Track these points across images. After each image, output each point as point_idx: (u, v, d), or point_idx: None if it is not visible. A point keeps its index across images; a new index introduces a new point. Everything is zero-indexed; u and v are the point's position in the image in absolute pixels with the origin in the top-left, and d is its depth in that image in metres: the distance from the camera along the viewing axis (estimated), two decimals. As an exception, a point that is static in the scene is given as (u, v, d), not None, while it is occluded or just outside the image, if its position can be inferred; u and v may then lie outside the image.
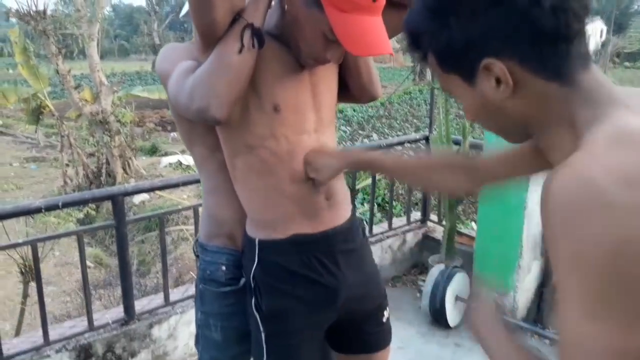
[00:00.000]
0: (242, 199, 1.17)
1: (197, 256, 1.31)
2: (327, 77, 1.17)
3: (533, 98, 0.61)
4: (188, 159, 9.57)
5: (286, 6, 1.04)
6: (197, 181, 2.40)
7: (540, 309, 2.70)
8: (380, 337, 1.31)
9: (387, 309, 1.31)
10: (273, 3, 1.09)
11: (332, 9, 0.96)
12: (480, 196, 2.71)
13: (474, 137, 3.06)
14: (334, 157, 1.14)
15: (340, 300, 1.18)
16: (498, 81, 0.59)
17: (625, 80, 28.57)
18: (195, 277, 1.33)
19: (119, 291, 3.19)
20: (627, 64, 37.00)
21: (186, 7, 1.08)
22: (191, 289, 2.65)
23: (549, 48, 0.58)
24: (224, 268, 1.23)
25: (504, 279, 2.64)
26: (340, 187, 1.22)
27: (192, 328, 2.33)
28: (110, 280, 6.17)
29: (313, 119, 1.14)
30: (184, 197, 8.18)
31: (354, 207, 1.33)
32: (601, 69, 34.74)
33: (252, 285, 1.16)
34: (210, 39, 1.01)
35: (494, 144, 2.55)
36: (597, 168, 0.51)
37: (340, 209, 1.20)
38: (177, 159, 10.38)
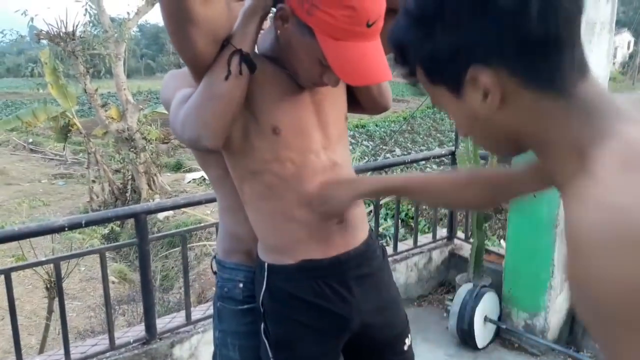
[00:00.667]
0: (252, 223, 1.14)
1: (215, 273, 1.28)
2: (332, 93, 1.13)
3: (525, 111, 0.56)
4: (211, 175, 9.61)
5: (279, 31, 1.01)
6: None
7: (573, 330, 2.59)
8: None
9: (409, 336, 1.26)
10: (266, 25, 1.07)
11: (324, 37, 0.92)
12: (509, 213, 2.63)
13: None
14: (346, 188, 1.09)
15: (353, 327, 1.13)
16: (486, 93, 0.55)
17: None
18: (214, 294, 1.30)
19: (142, 306, 3.19)
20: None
21: None
22: (213, 307, 2.62)
23: (539, 57, 0.53)
24: (241, 285, 1.20)
25: (535, 299, 2.54)
26: (355, 208, 1.17)
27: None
28: (134, 295, 6.20)
29: (319, 138, 1.10)
30: (208, 212, 8.21)
31: (377, 225, 1.28)
32: (629, 81, 34.18)
33: (262, 310, 1.13)
34: (198, 69, 1.00)
35: (522, 157, 2.48)
36: (618, 199, 0.45)
37: (355, 231, 1.15)
38: (200, 175, 10.45)
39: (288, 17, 0.96)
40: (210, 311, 2.49)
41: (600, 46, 2.35)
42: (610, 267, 0.44)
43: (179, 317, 2.44)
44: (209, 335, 2.28)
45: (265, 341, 1.12)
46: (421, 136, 15.50)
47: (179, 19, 0.92)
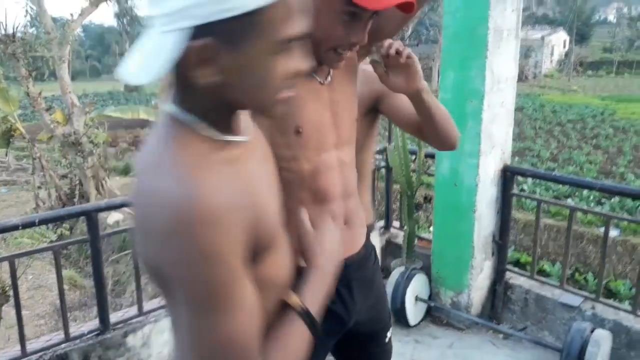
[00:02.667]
0: None
1: None
2: (347, 94, 1.13)
3: None
4: (162, 178, 9.57)
5: None
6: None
7: (494, 305, 2.90)
8: (381, 357, 1.32)
9: (391, 329, 1.32)
10: None
11: None
12: (435, 201, 2.91)
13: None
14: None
15: (347, 328, 1.15)
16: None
17: (588, 87, 29.60)
18: None
19: (94, 311, 3.24)
20: (589, 72, 38.33)
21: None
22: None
23: None
24: None
25: (459, 278, 2.83)
26: (358, 207, 1.17)
27: (166, 336, 2.46)
28: (86, 300, 6.17)
29: (333, 137, 1.10)
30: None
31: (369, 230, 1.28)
32: (565, 77, 35.62)
33: None
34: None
35: (444, 154, 2.76)
36: None
37: (357, 234, 1.16)
38: (151, 178, 10.39)
39: None
40: (162, 302, 2.64)
41: (508, 51, 2.66)
42: None
43: (131, 310, 2.58)
44: (161, 325, 2.44)
45: None
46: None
47: None
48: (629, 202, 7.46)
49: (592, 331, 2.25)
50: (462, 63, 2.60)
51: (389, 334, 1.29)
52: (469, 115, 2.62)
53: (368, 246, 1.21)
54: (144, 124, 16.50)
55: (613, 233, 6.72)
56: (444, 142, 1.27)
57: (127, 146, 14.59)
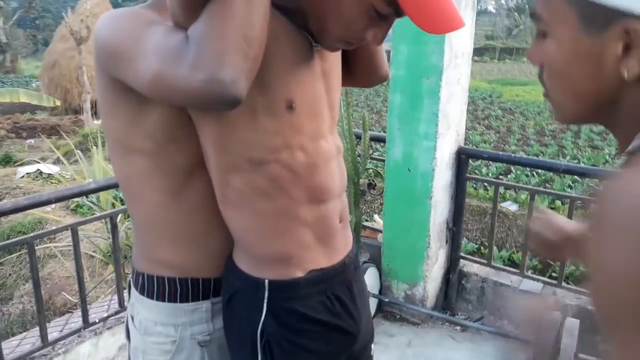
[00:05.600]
0: (237, 227, 0.89)
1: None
2: (336, 62, 0.93)
3: None
4: (50, 168, 8.54)
5: None
6: (74, 196, 2.04)
7: (448, 296, 2.74)
8: None
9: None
10: None
11: None
12: (385, 188, 2.66)
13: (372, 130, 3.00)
14: None
15: (355, 345, 0.97)
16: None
17: (475, 72, 31.52)
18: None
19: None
20: (476, 58, 40.90)
21: None
22: (72, 320, 2.27)
23: None
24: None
25: (414, 270, 2.63)
26: (344, 200, 1.00)
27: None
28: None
29: (328, 117, 0.91)
30: (48, 209, 7.29)
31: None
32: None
33: (260, 343, 0.87)
34: None
35: (396, 137, 2.52)
36: None
37: (349, 230, 1.00)
38: (36, 168, 9.21)
39: None
40: (71, 325, 2.15)
41: (465, 22, 2.45)
42: None
43: (30, 338, 2.06)
44: (72, 357, 1.96)
45: None
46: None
47: None
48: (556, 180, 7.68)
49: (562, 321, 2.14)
50: (418, 37, 2.35)
51: (373, 347, 1.10)
52: (424, 94, 2.39)
53: (354, 244, 1.04)
54: (24, 108, 14.76)
55: (512, 207, 7.03)
56: (377, 70, 1.03)
57: (6, 133, 12.91)
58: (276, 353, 0.87)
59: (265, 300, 0.86)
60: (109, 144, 0.91)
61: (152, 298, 0.92)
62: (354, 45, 0.86)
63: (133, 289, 0.97)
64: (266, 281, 0.87)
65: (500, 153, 2.90)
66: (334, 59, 0.93)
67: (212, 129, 0.82)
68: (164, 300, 0.91)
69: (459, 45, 2.40)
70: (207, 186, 0.88)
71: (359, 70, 1.03)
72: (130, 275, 1.00)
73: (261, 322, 0.87)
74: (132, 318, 0.97)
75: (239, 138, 0.81)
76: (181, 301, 0.91)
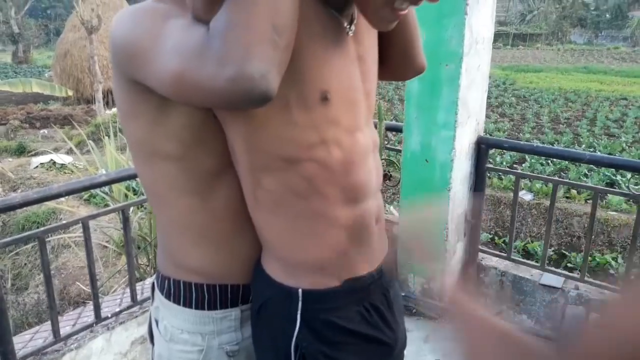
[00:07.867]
0: (268, 232, 0.83)
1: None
2: (373, 49, 0.86)
3: None
4: (63, 158, 8.57)
5: None
6: (84, 189, 1.99)
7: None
8: None
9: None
10: None
11: None
12: (402, 179, 2.59)
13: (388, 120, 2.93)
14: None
15: (391, 356, 0.90)
16: None
17: (490, 59, 31.13)
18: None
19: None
20: (490, 44, 40.33)
21: None
22: (85, 314, 2.24)
23: None
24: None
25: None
26: (382, 201, 0.94)
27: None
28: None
29: (364, 109, 0.83)
30: (62, 200, 7.32)
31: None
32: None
33: (295, 357, 0.81)
34: None
35: (413, 127, 2.44)
36: None
37: (384, 232, 0.93)
38: (49, 159, 9.26)
39: None
40: (83, 319, 2.12)
41: (487, 6, 2.35)
42: None
43: (43, 332, 2.04)
44: (85, 352, 1.93)
45: None
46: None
47: None
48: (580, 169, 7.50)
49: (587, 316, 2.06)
50: (437, 21, 2.26)
51: (405, 352, 1.04)
52: (444, 82, 2.30)
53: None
54: (37, 98, 14.83)
55: (527, 197, 6.91)
56: (414, 61, 0.96)
57: (20, 123, 12.99)
58: None
59: (299, 312, 0.80)
60: (131, 150, 0.85)
61: (178, 304, 0.87)
62: (406, 8, 0.76)
63: (157, 291, 0.92)
64: (300, 290, 0.81)
65: (522, 142, 2.79)
66: (370, 42, 0.86)
67: (240, 126, 0.76)
68: (191, 307, 0.86)
69: (480, 30, 2.31)
70: (236, 188, 0.82)
71: (394, 61, 0.95)
72: (155, 278, 0.95)
73: (295, 334, 0.80)
74: (157, 322, 0.92)
75: (270, 135, 0.75)
76: (209, 308, 0.86)
